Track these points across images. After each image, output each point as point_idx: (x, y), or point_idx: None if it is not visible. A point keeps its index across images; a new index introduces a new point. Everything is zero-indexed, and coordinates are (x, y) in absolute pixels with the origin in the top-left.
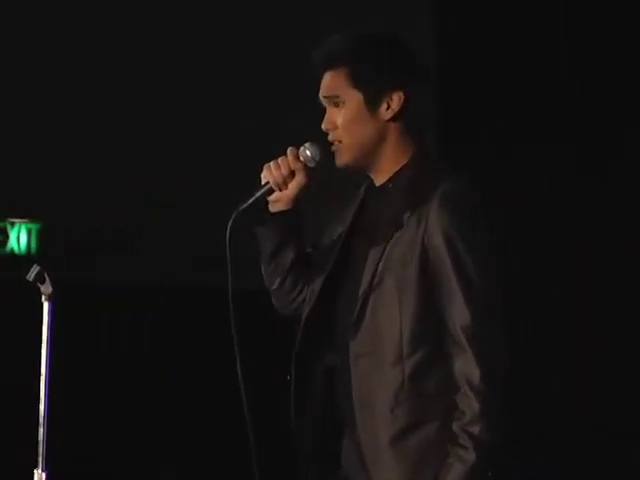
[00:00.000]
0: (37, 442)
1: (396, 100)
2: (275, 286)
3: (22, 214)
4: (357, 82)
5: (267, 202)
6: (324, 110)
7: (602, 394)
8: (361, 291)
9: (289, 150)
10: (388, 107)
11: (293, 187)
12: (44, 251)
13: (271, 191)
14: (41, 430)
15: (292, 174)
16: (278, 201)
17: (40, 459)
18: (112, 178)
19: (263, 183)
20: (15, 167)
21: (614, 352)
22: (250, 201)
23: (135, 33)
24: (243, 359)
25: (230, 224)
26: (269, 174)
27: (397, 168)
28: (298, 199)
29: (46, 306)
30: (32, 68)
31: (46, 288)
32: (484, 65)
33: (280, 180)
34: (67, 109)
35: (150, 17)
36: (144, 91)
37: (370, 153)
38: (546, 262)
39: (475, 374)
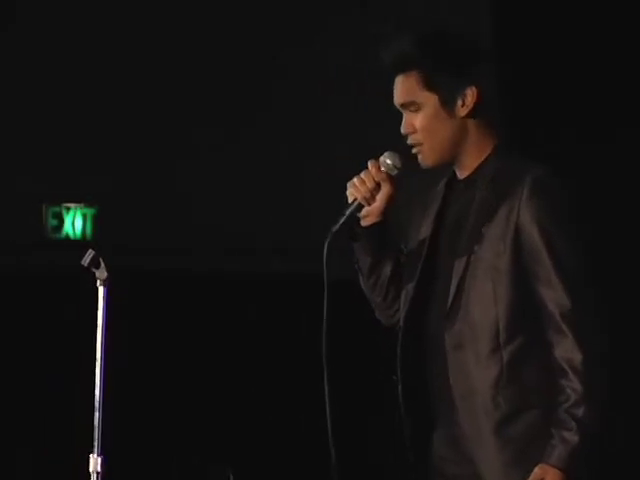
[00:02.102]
0: (92, 427)
1: (470, 96)
2: (378, 301)
3: (77, 199)
4: (431, 85)
5: (358, 218)
6: (398, 113)
7: None
8: (454, 283)
9: (370, 163)
10: (463, 104)
11: (381, 199)
12: (99, 236)
13: (360, 207)
14: (96, 415)
15: (377, 186)
16: (369, 215)
17: (95, 444)
18: (166, 164)
19: (350, 201)
20: (71, 152)
21: None
22: (342, 221)
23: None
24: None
25: (326, 245)
26: (355, 191)
27: (480, 160)
28: (387, 209)
29: (101, 291)
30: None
31: (101, 273)
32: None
33: (367, 194)
34: (123, 97)
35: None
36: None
37: (452, 151)
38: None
39: (577, 358)
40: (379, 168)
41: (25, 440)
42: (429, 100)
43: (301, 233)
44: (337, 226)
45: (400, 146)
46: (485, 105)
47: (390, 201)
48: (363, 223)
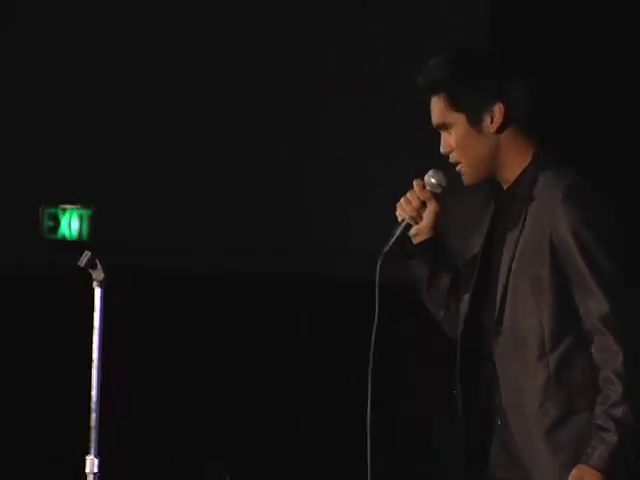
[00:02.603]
0: (89, 428)
1: (497, 112)
2: (442, 315)
3: (74, 200)
4: (457, 105)
5: (409, 237)
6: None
7: None
8: (499, 294)
9: (415, 182)
10: (492, 121)
11: (428, 217)
12: (97, 236)
13: (409, 226)
14: (93, 416)
15: (424, 205)
16: (419, 234)
17: (92, 445)
18: (166, 164)
19: (399, 221)
20: (67, 154)
21: None
22: (392, 241)
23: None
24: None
25: (378, 266)
26: (402, 211)
27: (520, 171)
28: (436, 226)
29: (97, 292)
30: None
31: (97, 274)
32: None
33: (414, 214)
34: (123, 97)
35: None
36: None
37: (490, 166)
38: None
39: (617, 359)
40: (424, 187)
41: (24, 440)
42: (458, 120)
43: (301, 233)
44: (388, 247)
45: (403, 149)
46: (517, 119)
47: (437, 218)
48: (414, 241)
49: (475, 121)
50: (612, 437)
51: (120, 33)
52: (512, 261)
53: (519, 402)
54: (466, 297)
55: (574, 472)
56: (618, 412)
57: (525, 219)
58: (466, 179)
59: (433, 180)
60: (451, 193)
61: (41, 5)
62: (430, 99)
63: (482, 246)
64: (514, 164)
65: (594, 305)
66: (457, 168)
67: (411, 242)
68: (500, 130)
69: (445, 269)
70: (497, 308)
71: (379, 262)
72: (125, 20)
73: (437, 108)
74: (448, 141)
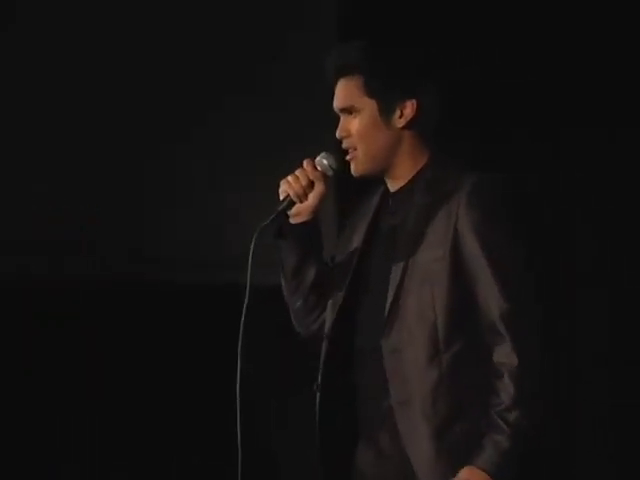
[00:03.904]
0: None
1: (409, 108)
2: (297, 306)
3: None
4: (371, 91)
5: (287, 215)
6: (337, 117)
7: None
8: (392, 289)
9: (306, 161)
10: (401, 115)
11: (313, 198)
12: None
13: (292, 204)
14: None
15: (311, 185)
16: (300, 213)
17: None
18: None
19: (282, 197)
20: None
21: None
22: (272, 217)
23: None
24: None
25: (253, 241)
26: (288, 187)
27: (414, 172)
28: (318, 209)
29: None
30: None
31: None
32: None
33: (300, 192)
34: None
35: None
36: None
37: (385, 161)
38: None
39: (513, 361)
40: (315, 167)
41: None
42: (368, 106)
43: None
44: (267, 221)
45: None
46: (424, 120)
47: (322, 201)
48: (293, 220)
49: (385, 111)
50: (504, 442)
51: (120, 34)
52: (409, 256)
53: (409, 400)
54: (338, 294)
55: (461, 473)
56: (511, 416)
57: (425, 215)
58: (356, 169)
59: (325, 162)
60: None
61: (41, 5)
62: (337, 81)
63: (360, 247)
64: (409, 163)
65: (494, 303)
66: (348, 156)
67: (288, 221)
68: (406, 127)
69: (314, 259)
70: (389, 304)
71: (254, 236)
72: (126, 22)
73: (346, 90)
74: (347, 126)
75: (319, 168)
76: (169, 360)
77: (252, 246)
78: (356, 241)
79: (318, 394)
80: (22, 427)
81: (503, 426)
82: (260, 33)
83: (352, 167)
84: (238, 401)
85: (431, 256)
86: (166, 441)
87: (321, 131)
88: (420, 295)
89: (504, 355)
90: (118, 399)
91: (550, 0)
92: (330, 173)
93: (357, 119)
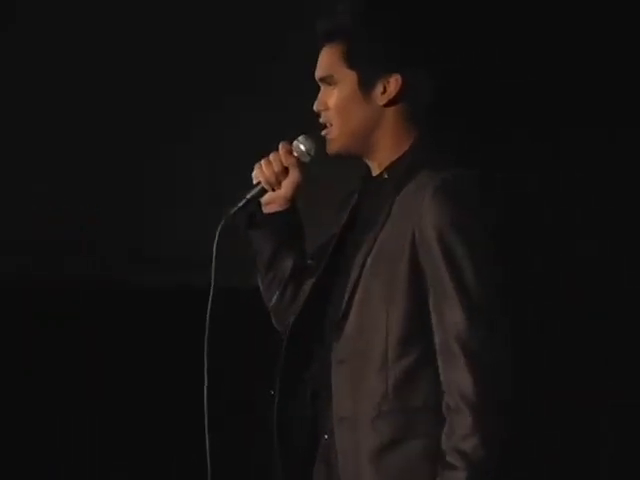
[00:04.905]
0: None
1: (393, 84)
2: (273, 301)
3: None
4: (352, 61)
5: (260, 203)
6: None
7: None
8: (348, 288)
9: (281, 145)
10: (384, 91)
11: (287, 186)
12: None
13: (264, 191)
14: None
15: (285, 171)
16: (272, 202)
17: None
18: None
19: (255, 183)
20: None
21: None
22: (241, 204)
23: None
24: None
25: (219, 229)
26: (260, 173)
27: (394, 158)
28: (293, 198)
29: None
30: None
31: None
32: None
33: (272, 179)
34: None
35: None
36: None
37: (363, 140)
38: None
39: (467, 382)
40: (290, 152)
41: None
42: (347, 78)
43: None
44: (235, 208)
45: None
46: (410, 99)
47: (297, 190)
48: (265, 210)
49: (366, 85)
50: (459, 475)
51: (120, 35)
52: (367, 256)
53: (350, 416)
54: (305, 288)
55: None
56: (467, 446)
57: (390, 212)
58: (331, 147)
59: (302, 147)
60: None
61: (41, 5)
62: (321, 48)
63: (337, 235)
64: (390, 146)
65: (449, 315)
66: (324, 132)
67: (261, 210)
68: (388, 104)
69: (291, 249)
70: (344, 304)
71: (221, 224)
72: (127, 22)
73: (327, 58)
74: (325, 98)
75: (295, 153)
76: (169, 360)
77: (218, 233)
78: (334, 230)
79: (276, 400)
80: (22, 427)
81: (459, 459)
82: (260, 33)
83: (327, 145)
84: (205, 408)
85: (390, 256)
86: (166, 441)
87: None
88: (374, 298)
89: (457, 377)
90: (118, 399)
91: (550, 0)
92: (307, 159)
93: (335, 91)
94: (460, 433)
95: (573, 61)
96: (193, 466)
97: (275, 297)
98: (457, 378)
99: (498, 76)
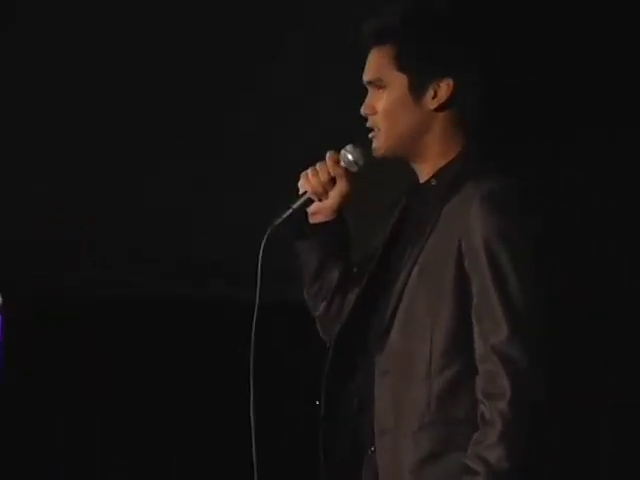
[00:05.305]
0: None
1: (444, 88)
2: (320, 311)
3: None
4: (403, 64)
5: (307, 214)
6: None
7: None
8: (393, 300)
9: (328, 155)
10: (435, 95)
11: (335, 196)
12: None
13: (310, 202)
14: None
15: (332, 181)
16: (319, 212)
17: None
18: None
19: (301, 193)
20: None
21: None
22: (287, 214)
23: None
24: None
25: (265, 240)
26: (307, 183)
27: (443, 164)
28: (341, 209)
29: None
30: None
31: None
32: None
33: (319, 189)
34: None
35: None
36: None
37: (410, 145)
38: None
39: (503, 395)
40: (337, 161)
41: None
42: (397, 81)
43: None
44: (280, 219)
45: None
46: (461, 104)
47: (345, 200)
48: (311, 220)
49: (417, 88)
50: None
51: (120, 36)
52: (413, 265)
53: (392, 428)
54: (351, 297)
55: None
56: (491, 456)
57: (437, 221)
58: (378, 149)
59: (350, 157)
60: (373, 185)
61: (41, 5)
62: (370, 49)
63: (384, 244)
64: (438, 153)
65: (491, 328)
66: (371, 135)
67: (307, 220)
68: (439, 109)
69: (338, 260)
70: (389, 315)
71: (267, 235)
72: (126, 22)
73: (376, 61)
74: (373, 102)
75: (342, 163)
76: (169, 361)
77: (263, 245)
78: (380, 240)
79: (321, 412)
80: (22, 427)
81: (481, 465)
82: (260, 33)
83: (374, 149)
84: (253, 421)
85: (436, 266)
86: (166, 442)
87: (321, 131)
88: (419, 310)
89: (494, 386)
90: (118, 399)
91: (551, 0)
92: (355, 169)
93: (384, 95)
94: (487, 442)
95: (573, 61)
96: (194, 468)
97: (322, 307)
98: (494, 389)
99: (498, 76)
